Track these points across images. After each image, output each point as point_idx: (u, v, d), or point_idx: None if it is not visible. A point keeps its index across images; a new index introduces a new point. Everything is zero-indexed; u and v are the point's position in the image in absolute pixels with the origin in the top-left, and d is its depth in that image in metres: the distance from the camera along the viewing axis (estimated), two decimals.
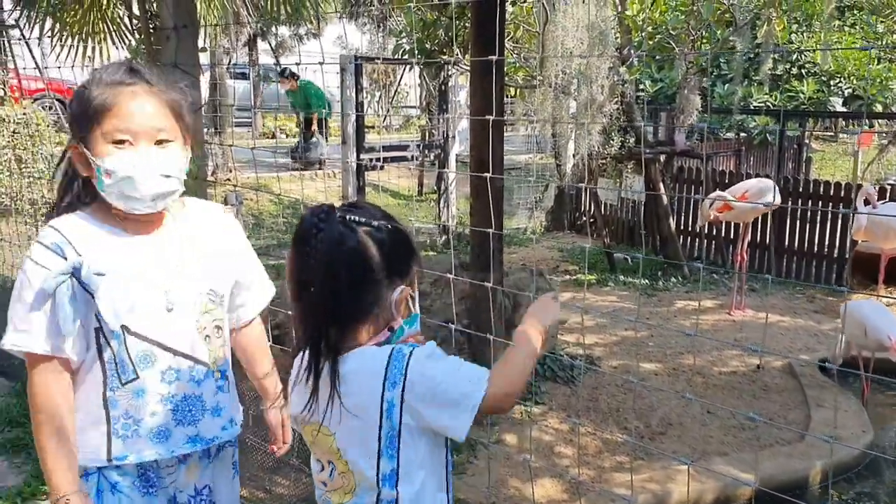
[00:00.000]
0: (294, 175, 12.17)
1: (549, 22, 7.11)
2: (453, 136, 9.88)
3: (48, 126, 7.85)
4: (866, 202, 6.54)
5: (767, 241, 8.44)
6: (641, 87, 10.21)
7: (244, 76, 18.70)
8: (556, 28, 7.05)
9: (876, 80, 11.60)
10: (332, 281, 1.49)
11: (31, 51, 9.99)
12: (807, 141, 13.41)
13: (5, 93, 7.70)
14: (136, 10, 4.67)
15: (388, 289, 1.54)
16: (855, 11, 13.74)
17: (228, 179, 10.06)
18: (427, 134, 10.94)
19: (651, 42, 7.87)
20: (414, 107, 19.47)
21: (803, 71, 12.74)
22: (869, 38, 12.88)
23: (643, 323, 6.21)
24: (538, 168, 12.19)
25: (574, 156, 8.54)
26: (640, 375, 5.32)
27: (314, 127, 13.64)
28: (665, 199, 8.45)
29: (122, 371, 1.76)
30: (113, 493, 1.79)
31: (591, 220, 9.80)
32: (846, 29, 13.71)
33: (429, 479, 1.56)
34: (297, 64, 3.36)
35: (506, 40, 6.16)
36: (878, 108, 12.07)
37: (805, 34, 12.46)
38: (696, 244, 9.18)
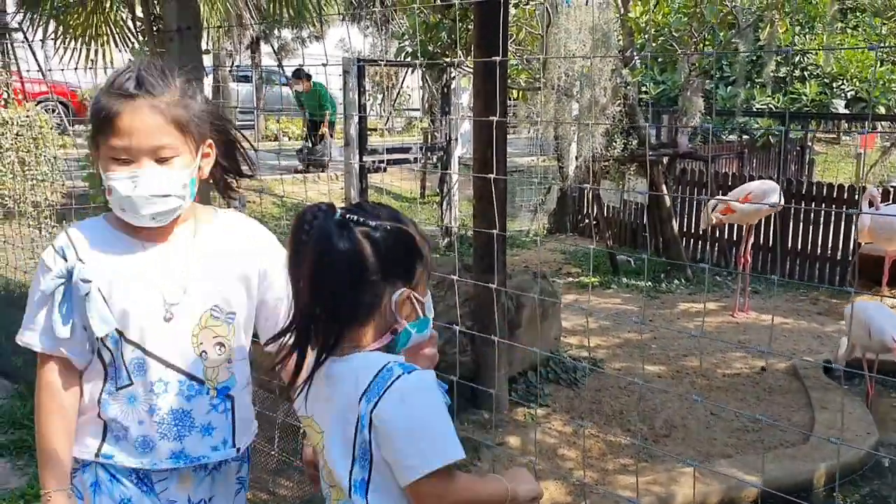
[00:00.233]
0: (297, 177, 12.18)
1: (552, 24, 7.11)
2: (456, 139, 9.88)
3: (51, 129, 7.86)
4: (870, 204, 6.53)
5: (771, 243, 8.43)
6: (644, 89, 10.20)
7: (247, 79, 18.73)
8: (558, 30, 7.05)
9: (879, 82, 11.59)
10: (321, 279, 1.47)
11: (34, 54, 10.03)
12: (809, 143, 13.41)
13: (9, 95, 7.71)
14: (139, 13, 4.68)
15: (389, 290, 1.50)
16: (857, 13, 13.73)
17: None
18: (430, 136, 10.94)
19: (654, 44, 7.87)
20: (416, 109, 19.49)
21: (806, 73, 12.73)
22: (872, 40, 12.86)
23: (648, 325, 6.20)
24: (541, 170, 12.19)
25: (577, 158, 8.55)
26: (644, 378, 5.31)
27: (325, 129, 13.69)
28: (668, 202, 8.44)
29: (118, 376, 1.76)
30: (111, 483, 1.79)
31: (594, 222, 9.80)
32: (849, 31, 13.70)
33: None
34: (301, 65, 3.37)
35: (508, 42, 6.16)
36: (881, 110, 12.06)
37: (808, 36, 12.45)
38: (699, 246, 9.17)
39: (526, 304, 5.01)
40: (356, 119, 8.97)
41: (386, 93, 20.72)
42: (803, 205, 8.24)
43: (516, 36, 8.57)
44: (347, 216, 1.49)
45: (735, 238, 8.53)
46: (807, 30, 12.54)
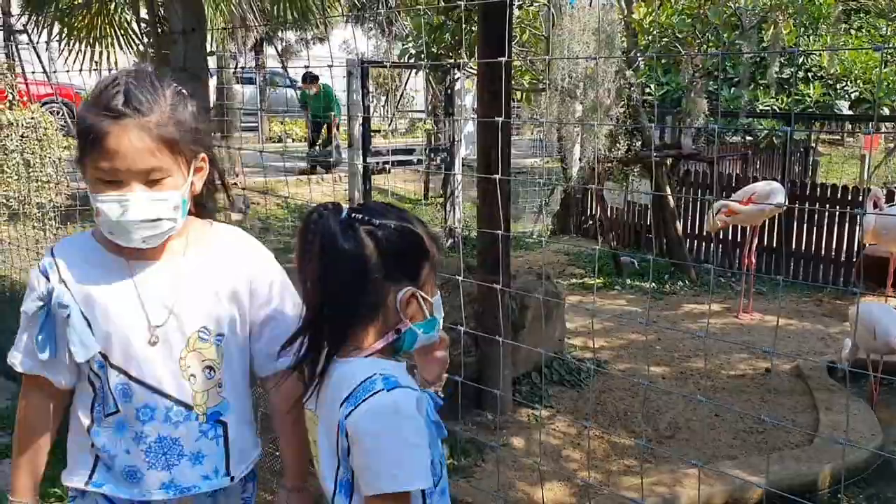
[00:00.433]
0: (301, 179, 12.19)
1: (556, 25, 7.11)
2: (459, 140, 9.88)
3: (56, 130, 7.87)
4: (875, 205, 6.52)
5: (775, 244, 8.42)
6: (647, 90, 10.19)
7: (251, 81, 18.76)
8: (562, 31, 7.05)
9: (883, 84, 11.56)
10: (326, 278, 1.48)
11: (38, 55, 10.05)
12: (813, 145, 13.38)
13: (14, 97, 7.73)
14: (143, 15, 4.70)
15: (393, 290, 1.50)
16: (861, 15, 13.70)
17: (235, 184, 10.07)
18: (433, 138, 10.95)
19: (657, 45, 7.86)
20: (420, 111, 19.51)
21: (810, 74, 12.69)
22: (876, 41, 12.84)
23: (653, 324, 6.20)
24: (544, 172, 12.19)
25: (580, 159, 8.54)
26: (648, 379, 5.31)
27: (335, 130, 13.76)
28: (672, 203, 8.44)
29: (105, 402, 1.70)
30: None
31: (598, 223, 9.79)
32: (852, 32, 13.67)
33: None
34: (306, 66, 3.37)
35: (512, 44, 6.16)
36: (886, 111, 12.03)
37: (812, 38, 12.43)
38: (703, 248, 9.16)
39: (530, 305, 5.02)
40: (360, 120, 8.97)
41: (389, 94, 20.75)
42: (807, 206, 8.24)
43: (520, 37, 8.57)
44: (353, 215, 1.50)
45: (739, 239, 8.52)
46: (811, 31, 12.51)
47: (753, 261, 7.04)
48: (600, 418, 4.78)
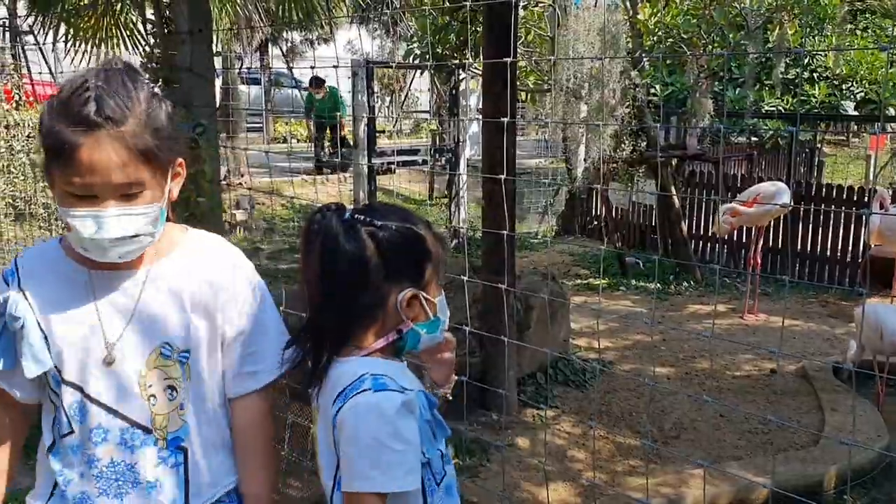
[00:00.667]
0: (307, 179, 12.22)
1: (561, 26, 7.12)
2: (464, 140, 9.89)
3: None
4: (880, 206, 6.51)
5: (780, 245, 8.41)
6: (653, 91, 10.19)
7: (256, 81, 18.80)
8: (567, 32, 7.05)
9: (889, 84, 11.54)
10: (326, 279, 1.50)
11: (44, 56, 10.09)
12: (819, 145, 13.36)
13: (20, 97, 7.76)
14: (149, 15, 4.71)
15: (395, 290, 1.51)
16: (867, 15, 13.68)
17: (240, 184, 10.10)
18: (438, 138, 10.96)
19: (663, 46, 7.86)
20: (425, 111, 19.52)
21: (815, 75, 12.68)
22: (882, 41, 12.81)
23: (658, 325, 6.20)
24: (549, 172, 12.19)
25: (585, 160, 8.55)
26: (653, 379, 5.30)
27: (345, 132, 13.82)
28: (677, 203, 8.43)
29: (59, 422, 1.58)
30: None
31: (603, 224, 9.79)
32: (858, 33, 13.65)
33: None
34: (312, 67, 3.38)
35: (517, 44, 6.16)
36: (891, 111, 12.00)
37: (817, 38, 12.42)
38: (709, 248, 9.16)
39: (535, 306, 5.02)
40: (365, 121, 8.99)
41: (394, 95, 20.76)
42: (812, 206, 8.23)
43: (525, 38, 8.57)
44: (355, 216, 1.51)
45: (745, 240, 8.51)
46: (816, 31, 12.50)
47: (759, 261, 7.03)
48: (605, 419, 4.78)
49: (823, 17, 10.34)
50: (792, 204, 6.77)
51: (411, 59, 9.42)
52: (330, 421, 1.47)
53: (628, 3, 7.94)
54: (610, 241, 9.17)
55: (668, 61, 9.50)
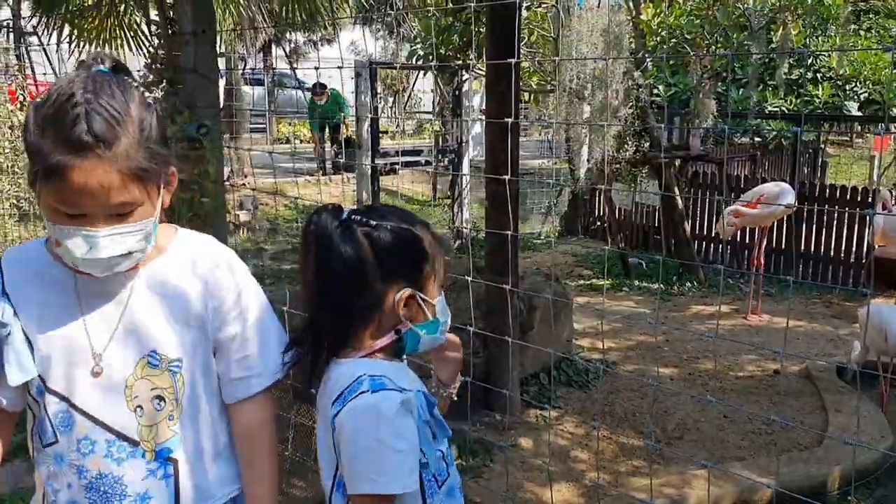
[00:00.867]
0: (310, 179, 12.23)
1: (564, 27, 7.12)
2: (467, 141, 9.90)
3: None
4: (883, 207, 6.51)
5: (784, 245, 8.40)
6: (656, 91, 10.19)
7: (259, 82, 18.83)
8: (570, 33, 7.05)
9: (893, 85, 11.53)
10: (322, 278, 1.50)
11: (48, 57, 10.10)
12: (822, 146, 13.35)
13: (24, 98, 7.78)
14: (153, 16, 4.72)
15: (392, 291, 1.51)
16: (871, 15, 13.66)
17: (244, 184, 10.12)
18: (441, 139, 10.97)
19: (666, 46, 7.86)
20: (428, 112, 19.54)
21: (819, 75, 12.66)
22: (886, 42, 12.80)
23: (661, 326, 6.19)
24: (552, 173, 12.19)
25: (588, 160, 8.55)
26: (657, 380, 5.30)
27: (350, 133, 13.96)
28: (680, 204, 8.43)
29: (42, 430, 1.53)
30: None
31: (606, 224, 9.79)
32: (862, 33, 13.63)
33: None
34: (316, 68, 3.38)
35: (521, 45, 6.17)
36: (895, 112, 11.98)
37: (821, 38, 12.41)
38: (712, 249, 9.15)
39: (538, 306, 5.02)
40: (368, 122, 9.00)
41: (397, 96, 20.78)
42: (816, 207, 8.22)
43: (528, 38, 8.58)
44: (352, 217, 1.51)
45: (748, 241, 8.50)
46: (820, 32, 12.49)
47: (762, 262, 7.03)
48: (609, 419, 4.77)
49: (827, 17, 10.32)
50: (796, 205, 6.76)
51: (415, 59, 9.44)
52: (329, 423, 1.47)
53: (631, 4, 7.94)
54: (613, 241, 9.17)
55: (671, 62, 9.49)
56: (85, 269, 1.43)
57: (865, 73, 12.23)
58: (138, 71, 3.89)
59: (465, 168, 9.82)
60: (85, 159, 1.32)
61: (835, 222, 8.23)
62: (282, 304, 2.14)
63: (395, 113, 20.76)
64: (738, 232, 8.56)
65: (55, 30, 6.13)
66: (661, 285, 7.98)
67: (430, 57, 7.86)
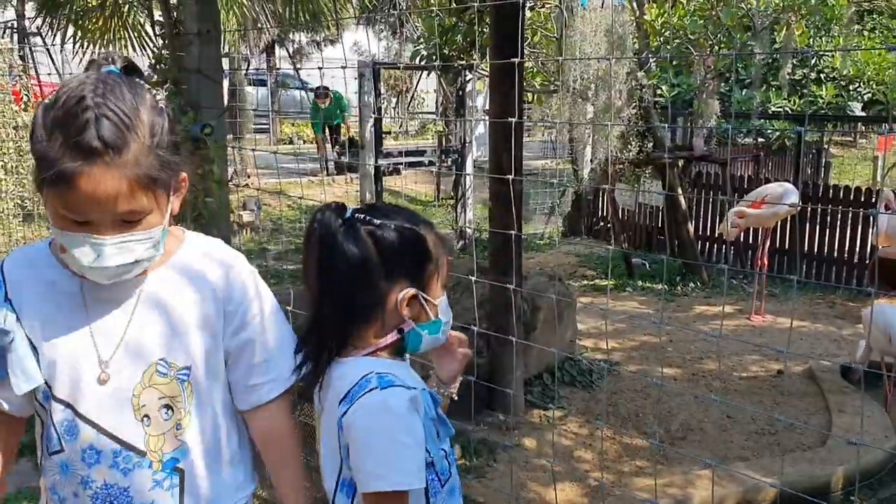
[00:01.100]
0: (313, 180, 12.25)
1: (568, 27, 7.12)
2: (470, 142, 9.90)
3: None
4: (887, 208, 6.49)
5: (788, 246, 8.40)
6: (659, 91, 10.19)
7: (262, 82, 18.87)
8: (574, 33, 7.05)
9: None
10: (325, 277, 1.50)
11: (52, 58, 10.12)
12: (826, 146, 13.34)
13: (29, 99, 7.80)
14: (157, 17, 4.73)
15: (395, 290, 1.50)
16: (874, 16, 13.65)
17: (247, 185, 10.13)
18: (444, 139, 10.98)
19: (669, 47, 7.86)
20: (432, 113, 19.56)
21: (822, 76, 12.66)
22: (889, 42, 12.80)
23: (665, 326, 6.19)
24: (555, 173, 12.19)
25: (591, 161, 8.54)
26: (660, 380, 5.30)
27: (352, 134, 14.07)
28: (683, 204, 8.42)
29: (48, 438, 1.49)
30: None
31: (610, 225, 9.78)
32: (865, 33, 13.63)
33: None
34: (320, 68, 3.38)
35: (524, 45, 6.17)
36: None
37: (824, 39, 12.40)
38: (715, 250, 9.15)
39: (541, 307, 5.02)
40: (371, 122, 9.00)
41: (400, 96, 20.79)
42: (820, 207, 8.22)
43: (531, 38, 8.57)
44: (356, 215, 1.51)
45: (752, 241, 8.50)
46: (823, 32, 12.49)
47: (766, 262, 7.02)
48: (612, 419, 4.77)
49: (830, 17, 10.31)
50: (800, 205, 6.75)
51: (418, 60, 9.44)
52: (335, 423, 1.46)
53: (635, 4, 7.94)
54: (616, 242, 9.16)
55: (674, 62, 9.49)
56: (91, 276, 1.40)
57: (869, 73, 12.23)
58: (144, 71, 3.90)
59: (469, 168, 9.83)
60: (93, 166, 1.28)
61: (838, 223, 8.22)
62: (285, 304, 2.13)
63: (398, 113, 20.78)
64: (742, 232, 8.55)
65: (59, 30, 6.15)
66: (665, 286, 7.97)
67: (434, 57, 7.86)
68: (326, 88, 13.93)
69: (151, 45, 5.61)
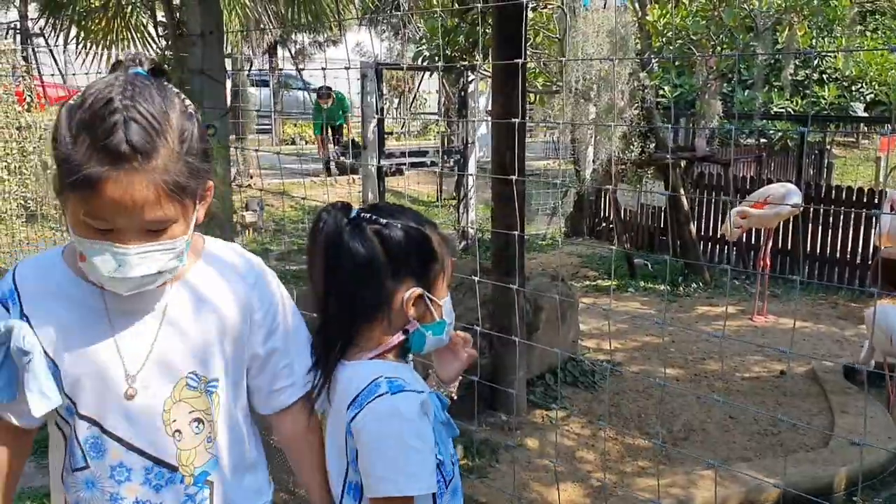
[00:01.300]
0: (316, 180, 12.26)
1: (570, 27, 7.12)
2: (473, 142, 9.90)
3: None
4: (890, 209, 6.49)
5: (790, 246, 8.39)
6: (662, 92, 10.18)
7: (265, 83, 18.88)
8: (576, 33, 7.05)
9: None
10: (331, 277, 1.49)
11: (55, 58, 10.14)
12: (828, 147, 13.33)
13: (32, 99, 7.81)
14: (160, 18, 4.73)
15: (401, 290, 1.50)
16: (877, 16, 13.64)
17: (250, 185, 10.14)
18: (447, 140, 10.98)
19: (672, 47, 7.86)
20: (434, 113, 19.56)
21: (825, 76, 12.66)
22: (892, 43, 12.78)
23: (667, 326, 6.19)
24: (558, 174, 12.19)
25: (594, 161, 8.54)
26: (663, 381, 5.30)
27: (352, 134, 14.12)
28: (686, 205, 8.42)
29: (72, 454, 1.44)
30: None
31: (612, 225, 9.78)
32: (868, 34, 13.62)
33: None
34: (322, 69, 3.39)
35: (526, 45, 6.17)
36: None
37: (827, 39, 12.40)
38: (718, 250, 9.14)
39: (544, 307, 5.02)
40: (374, 122, 9.01)
41: (403, 97, 20.80)
42: (822, 208, 8.21)
43: (533, 39, 8.57)
44: (361, 215, 1.51)
45: (754, 242, 8.50)
46: (826, 33, 12.49)
47: (769, 263, 7.02)
48: (614, 420, 4.78)
49: (833, 18, 10.31)
50: (802, 205, 6.75)
51: (420, 60, 9.44)
52: (343, 427, 1.46)
53: (637, 5, 7.94)
54: (619, 242, 9.16)
55: (677, 63, 9.49)
56: (110, 287, 1.34)
57: (871, 74, 12.22)
58: None
59: (471, 169, 9.83)
60: (121, 171, 1.22)
61: (841, 223, 8.22)
62: None
63: (400, 114, 20.78)
64: (744, 233, 8.55)
65: (62, 31, 6.15)
66: (667, 286, 7.97)
67: (436, 58, 7.87)
68: (329, 89, 13.97)
69: (154, 46, 5.61)
